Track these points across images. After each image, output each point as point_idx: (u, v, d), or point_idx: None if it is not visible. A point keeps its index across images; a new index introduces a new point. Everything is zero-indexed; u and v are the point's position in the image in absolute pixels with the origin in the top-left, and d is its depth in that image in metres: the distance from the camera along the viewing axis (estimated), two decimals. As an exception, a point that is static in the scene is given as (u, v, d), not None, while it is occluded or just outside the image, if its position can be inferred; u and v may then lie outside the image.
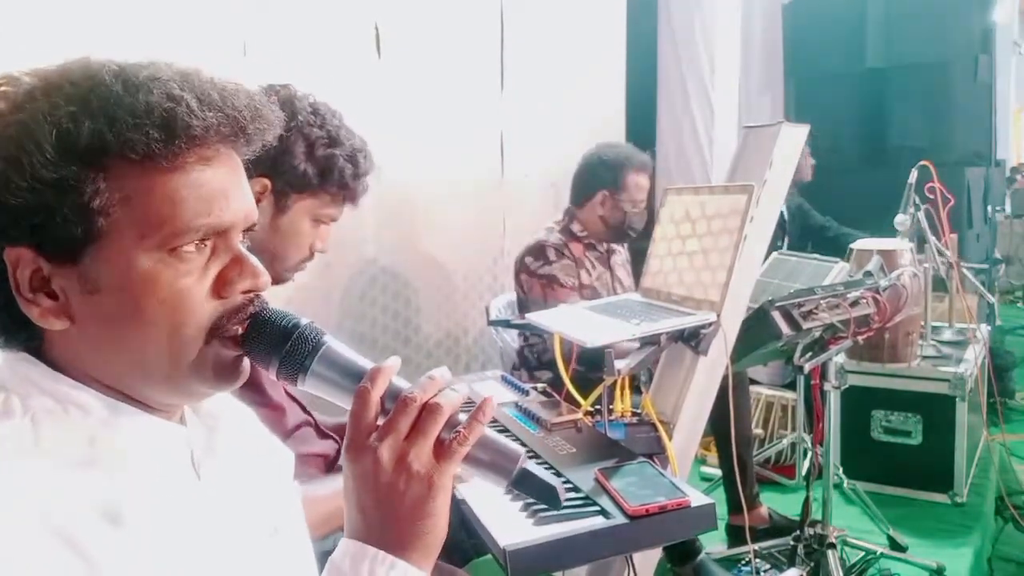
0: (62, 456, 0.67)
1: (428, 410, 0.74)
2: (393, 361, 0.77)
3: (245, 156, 0.78)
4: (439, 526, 0.76)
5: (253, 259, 0.76)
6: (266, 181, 1.45)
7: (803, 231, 4.49)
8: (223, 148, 0.74)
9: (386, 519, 0.75)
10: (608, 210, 2.75)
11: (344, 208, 1.54)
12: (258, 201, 1.47)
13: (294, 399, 1.56)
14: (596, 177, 2.76)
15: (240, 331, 0.75)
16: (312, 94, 1.49)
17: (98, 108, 0.67)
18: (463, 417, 0.76)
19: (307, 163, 1.45)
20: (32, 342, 0.72)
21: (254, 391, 1.41)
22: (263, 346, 0.75)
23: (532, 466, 0.78)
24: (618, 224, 2.76)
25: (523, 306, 2.72)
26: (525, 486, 0.77)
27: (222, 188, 0.73)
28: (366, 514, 0.75)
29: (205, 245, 0.72)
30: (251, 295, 0.75)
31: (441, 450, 0.75)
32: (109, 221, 0.68)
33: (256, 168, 1.47)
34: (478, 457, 0.76)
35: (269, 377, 1.42)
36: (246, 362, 0.77)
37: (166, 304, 0.70)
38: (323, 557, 0.96)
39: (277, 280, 1.50)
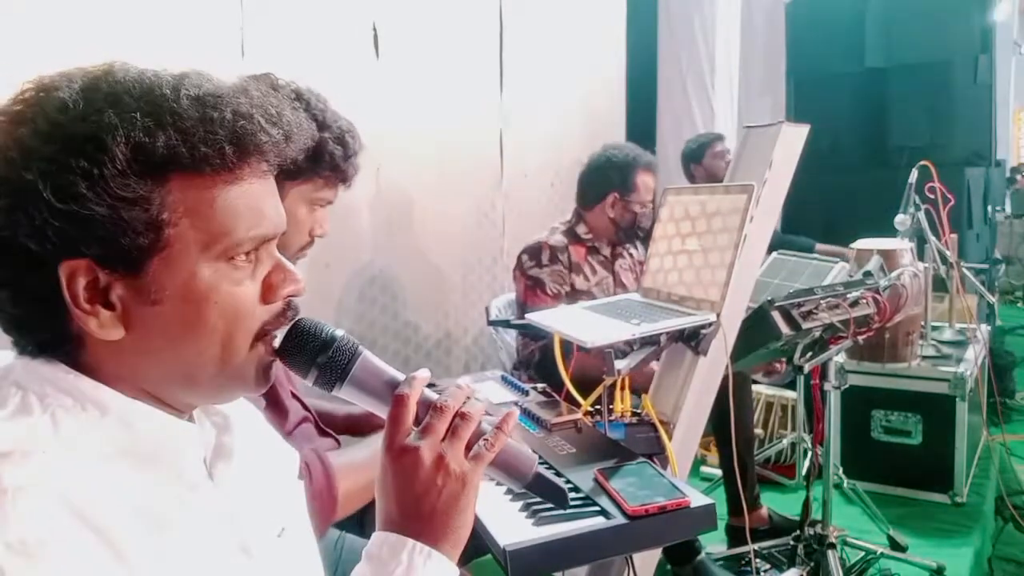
0: (81, 453, 0.68)
1: (461, 416, 0.83)
2: (424, 373, 0.84)
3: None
4: (468, 521, 0.83)
5: (291, 264, 0.79)
6: None
7: None
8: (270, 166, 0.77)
9: (424, 513, 0.81)
10: (619, 212, 2.74)
11: (338, 190, 1.53)
12: None
13: (295, 396, 1.56)
14: (606, 179, 2.74)
15: (274, 337, 0.79)
16: (294, 80, 1.48)
17: (171, 122, 0.68)
18: (486, 426, 0.84)
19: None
20: (69, 353, 0.72)
21: None
22: (303, 354, 0.80)
23: (544, 471, 0.87)
24: (628, 225, 2.75)
25: (521, 305, 2.72)
26: (538, 488, 0.87)
27: (267, 200, 0.76)
28: (404, 507, 0.81)
29: (253, 254, 0.75)
30: (291, 300, 0.79)
31: (471, 453, 0.83)
32: (175, 232, 0.69)
33: None
34: (500, 462, 0.85)
35: (278, 377, 1.42)
36: (276, 366, 0.80)
37: (226, 312, 0.73)
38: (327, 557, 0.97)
39: None
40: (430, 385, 0.86)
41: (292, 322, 0.80)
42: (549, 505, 1.16)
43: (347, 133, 1.50)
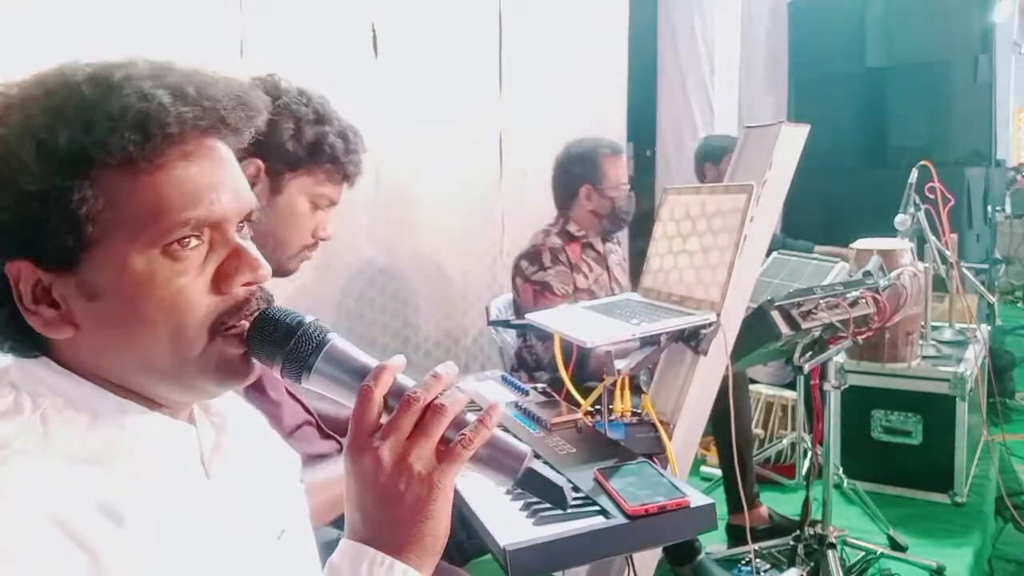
0: (70, 454, 0.67)
1: (432, 411, 0.73)
2: (398, 359, 0.76)
3: (237, 145, 0.78)
4: (439, 528, 0.75)
5: (253, 250, 0.75)
6: (259, 162, 1.45)
7: None
8: (206, 141, 0.73)
9: (385, 520, 0.74)
10: (595, 202, 2.77)
11: (341, 189, 1.53)
12: (253, 184, 1.48)
13: (296, 398, 1.56)
14: (572, 175, 2.79)
15: (244, 328, 0.74)
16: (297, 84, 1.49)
17: (73, 115, 0.67)
18: (470, 417, 0.75)
19: (296, 140, 1.46)
20: (40, 350, 0.73)
21: (255, 388, 1.41)
22: (267, 344, 0.74)
23: (538, 466, 0.76)
24: (609, 212, 2.78)
25: (519, 310, 2.73)
26: (531, 486, 0.76)
27: (209, 182, 0.72)
28: (365, 514, 0.74)
29: (201, 241, 0.72)
30: (253, 288, 0.75)
31: (444, 452, 0.74)
32: (98, 227, 0.68)
33: (247, 149, 1.48)
34: (482, 456, 0.75)
35: (271, 375, 1.42)
36: (255, 361, 0.76)
37: (164, 303, 0.70)
38: (325, 548, 0.96)
39: (281, 270, 1.50)
40: None
41: (260, 312, 0.75)
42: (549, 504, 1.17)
43: (349, 130, 1.50)
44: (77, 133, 0.66)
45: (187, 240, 0.70)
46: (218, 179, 0.73)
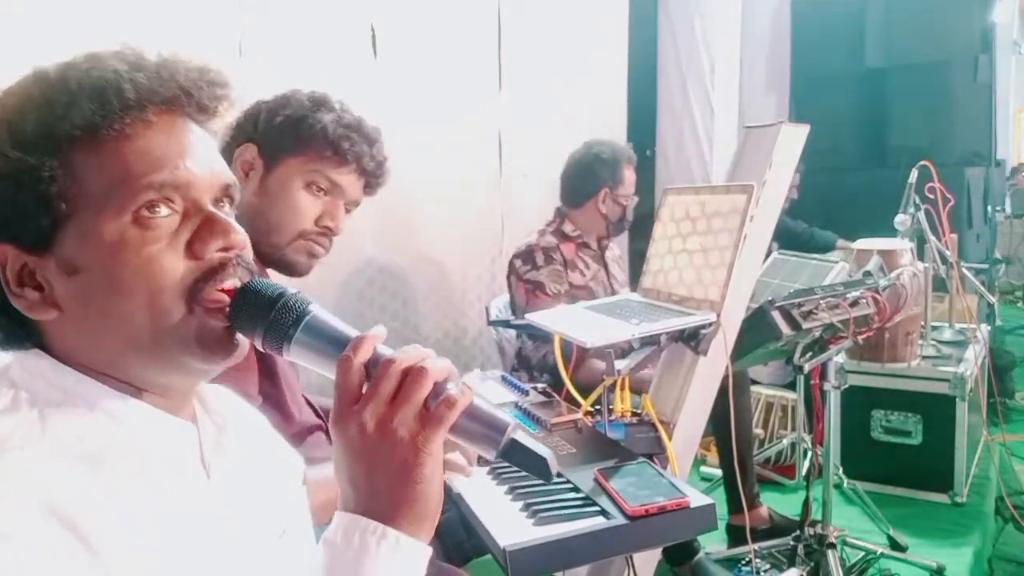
0: (68, 450, 0.67)
1: (412, 375, 0.73)
2: (378, 329, 0.76)
3: (214, 129, 0.79)
4: (430, 493, 0.74)
5: (226, 218, 0.76)
6: (254, 146, 1.47)
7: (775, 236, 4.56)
8: (174, 117, 0.74)
9: (374, 488, 0.73)
10: (609, 206, 2.79)
11: (346, 175, 1.50)
12: (251, 168, 1.48)
13: (309, 403, 1.55)
14: (596, 176, 2.78)
15: (225, 302, 0.74)
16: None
17: (40, 98, 0.70)
18: (451, 386, 0.74)
19: (288, 120, 1.47)
20: (32, 340, 0.74)
21: (272, 384, 1.40)
22: (248, 314, 0.74)
23: (522, 436, 0.75)
24: (618, 219, 2.81)
25: (515, 310, 2.73)
26: (514, 457, 0.75)
27: (176, 150, 0.73)
28: (355, 485, 0.74)
29: (173, 210, 0.72)
30: (229, 255, 0.75)
31: (428, 415, 0.73)
32: (70, 203, 0.70)
33: (243, 136, 1.48)
34: (465, 427, 0.74)
35: (291, 376, 1.40)
36: (241, 339, 0.76)
37: (139, 272, 0.70)
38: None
39: (282, 259, 1.48)
40: None
41: (242, 283, 0.75)
42: (549, 504, 1.17)
43: (353, 118, 1.51)
44: (43, 112, 0.69)
45: (156, 207, 0.71)
46: (185, 147, 0.74)
